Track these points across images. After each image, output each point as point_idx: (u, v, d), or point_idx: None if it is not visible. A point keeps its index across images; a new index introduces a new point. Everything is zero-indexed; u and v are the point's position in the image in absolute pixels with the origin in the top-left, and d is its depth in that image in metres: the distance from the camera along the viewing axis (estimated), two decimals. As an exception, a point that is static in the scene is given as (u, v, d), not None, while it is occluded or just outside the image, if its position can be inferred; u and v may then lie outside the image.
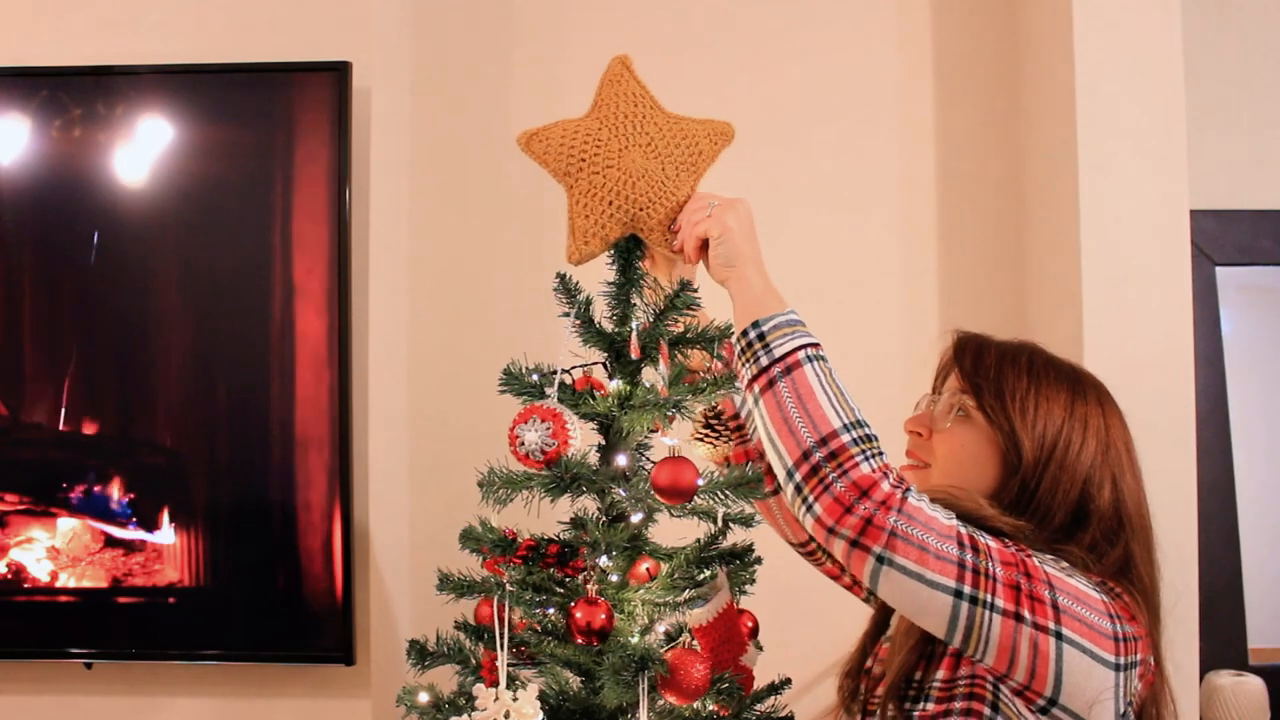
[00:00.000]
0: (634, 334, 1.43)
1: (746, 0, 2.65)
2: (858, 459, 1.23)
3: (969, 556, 1.19)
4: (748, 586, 1.60)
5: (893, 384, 2.58)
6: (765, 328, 1.32)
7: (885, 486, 1.22)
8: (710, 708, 1.46)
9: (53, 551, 2.34)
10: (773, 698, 1.57)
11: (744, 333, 1.35)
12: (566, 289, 1.44)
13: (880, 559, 1.20)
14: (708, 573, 1.47)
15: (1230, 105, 2.58)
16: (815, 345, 1.31)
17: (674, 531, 1.54)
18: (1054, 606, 1.19)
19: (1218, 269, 2.53)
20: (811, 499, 1.23)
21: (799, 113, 2.62)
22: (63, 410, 2.35)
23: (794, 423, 1.26)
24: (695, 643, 1.44)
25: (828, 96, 2.62)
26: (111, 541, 2.33)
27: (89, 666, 2.39)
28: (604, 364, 1.50)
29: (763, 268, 1.40)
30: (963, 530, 1.22)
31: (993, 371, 1.38)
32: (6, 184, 2.35)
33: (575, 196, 1.46)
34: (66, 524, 2.34)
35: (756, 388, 1.31)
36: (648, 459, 1.51)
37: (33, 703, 2.44)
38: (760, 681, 1.58)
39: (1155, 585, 1.34)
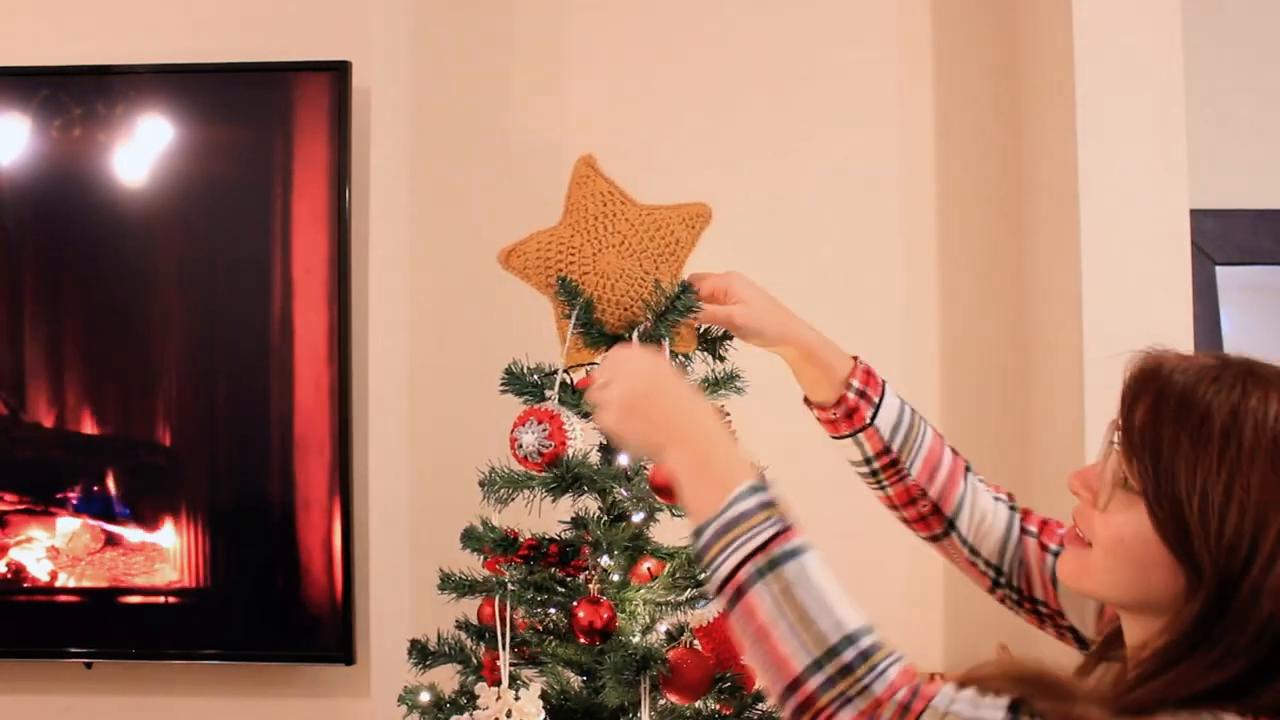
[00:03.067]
0: (635, 335, 1.43)
1: (747, 1, 2.65)
2: (834, 709, 0.93)
3: None
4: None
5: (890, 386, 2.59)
6: (702, 541, 1.03)
7: None
8: (712, 706, 1.46)
9: (53, 551, 2.34)
10: (774, 697, 1.57)
11: (695, 533, 1.05)
12: (568, 290, 1.44)
13: None
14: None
15: (1230, 105, 2.58)
16: (763, 549, 0.99)
17: (675, 531, 1.54)
18: None
19: (1218, 269, 2.53)
20: None
21: (799, 114, 2.62)
22: (63, 410, 2.35)
23: (758, 662, 0.99)
24: (697, 642, 1.44)
25: (828, 98, 2.62)
26: (111, 541, 2.33)
27: (89, 666, 2.38)
28: (598, 365, 1.50)
29: (682, 435, 1.10)
30: None
31: (1166, 443, 0.94)
32: (6, 184, 2.35)
33: (560, 306, 1.46)
34: (66, 524, 2.34)
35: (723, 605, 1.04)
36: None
37: (33, 703, 2.43)
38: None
39: None
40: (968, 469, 1.35)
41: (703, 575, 1.05)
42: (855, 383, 1.34)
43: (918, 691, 0.92)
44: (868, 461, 1.35)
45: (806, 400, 1.40)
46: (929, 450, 1.34)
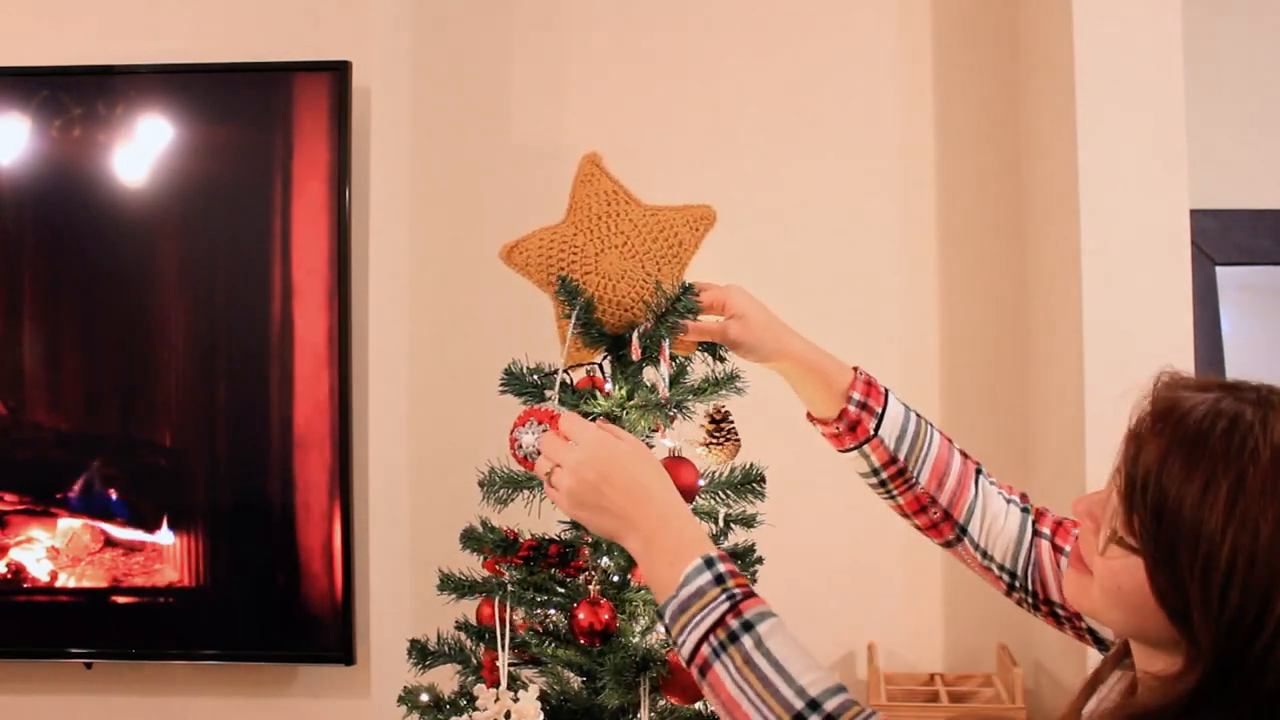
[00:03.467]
0: (635, 335, 1.43)
1: (748, 1, 2.65)
2: None
3: None
4: (749, 587, 1.59)
5: (891, 386, 2.59)
6: (667, 618, 1.04)
7: None
8: (711, 709, 1.46)
9: (53, 551, 2.34)
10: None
11: (659, 614, 1.09)
12: (568, 290, 1.44)
13: None
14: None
15: (1230, 105, 2.58)
16: (720, 624, 1.00)
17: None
18: None
19: (1218, 269, 2.53)
20: None
21: (799, 114, 2.62)
22: (63, 410, 2.35)
23: None
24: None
25: (829, 96, 2.62)
26: (111, 541, 2.33)
27: (89, 666, 2.38)
28: (598, 365, 1.49)
29: (634, 520, 1.09)
30: None
31: (1170, 501, 0.85)
32: (6, 184, 2.35)
33: (560, 306, 1.46)
34: (66, 524, 2.34)
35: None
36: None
37: (33, 703, 2.43)
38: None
39: None
40: (979, 472, 1.34)
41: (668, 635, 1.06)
42: (855, 395, 1.33)
43: None
44: (875, 472, 1.34)
45: (810, 416, 1.39)
46: (936, 456, 1.33)
